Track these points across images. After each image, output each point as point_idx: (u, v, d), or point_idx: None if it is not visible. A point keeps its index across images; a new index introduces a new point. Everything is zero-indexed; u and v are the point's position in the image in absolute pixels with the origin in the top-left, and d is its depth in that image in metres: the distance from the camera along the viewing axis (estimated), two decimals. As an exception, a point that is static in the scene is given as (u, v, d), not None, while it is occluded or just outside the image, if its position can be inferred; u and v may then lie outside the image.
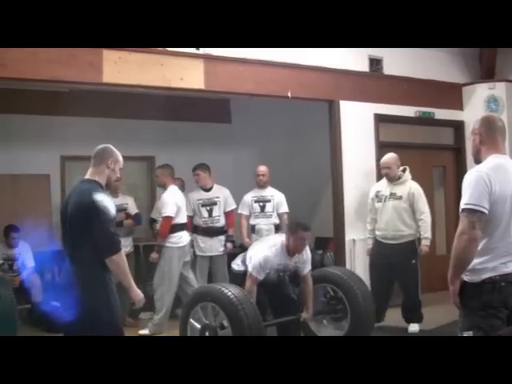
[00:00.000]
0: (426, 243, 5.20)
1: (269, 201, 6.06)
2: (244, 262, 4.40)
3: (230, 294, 3.72)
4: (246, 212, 6.03)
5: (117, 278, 3.05)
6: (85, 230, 2.95)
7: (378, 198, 5.37)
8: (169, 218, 5.44)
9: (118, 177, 3.24)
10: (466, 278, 2.59)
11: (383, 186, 5.41)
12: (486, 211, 2.51)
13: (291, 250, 4.24)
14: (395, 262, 5.20)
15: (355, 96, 6.51)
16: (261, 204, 6.04)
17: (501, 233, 2.57)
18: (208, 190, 5.97)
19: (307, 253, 4.38)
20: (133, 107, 7.03)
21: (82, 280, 2.96)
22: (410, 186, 5.27)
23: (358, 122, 6.51)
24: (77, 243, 3.00)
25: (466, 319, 2.61)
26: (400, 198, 5.23)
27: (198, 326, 3.97)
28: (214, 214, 5.88)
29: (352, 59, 6.47)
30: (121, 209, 5.91)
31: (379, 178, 5.98)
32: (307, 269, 4.40)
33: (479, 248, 2.55)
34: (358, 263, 6.40)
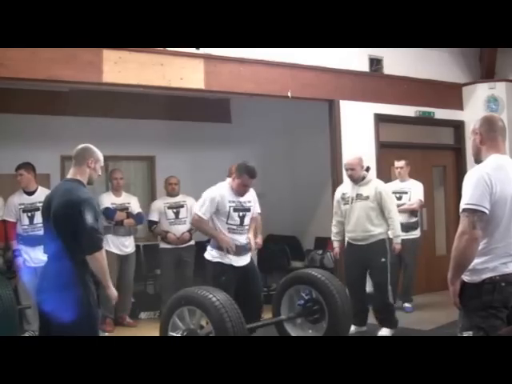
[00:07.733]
0: (397, 241, 5.11)
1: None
2: (213, 245, 4.41)
3: (214, 299, 3.61)
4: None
5: (96, 275, 3.08)
6: (69, 227, 3.00)
7: (344, 201, 5.21)
8: None
9: (99, 175, 3.35)
10: (465, 278, 2.59)
11: (348, 188, 5.23)
12: (487, 211, 2.50)
13: (234, 192, 4.39)
14: (367, 262, 5.12)
15: (355, 96, 6.52)
16: None
17: (501, 233, 2.57)
18: (31, 193, 5.37)
19: (253, 195, 4.59)
20: (133, 107, 7.02)
21: (62, 279, 2.99)
22: (375, 186, 5.13)
23: (358, 121, 6.51)
24: (59, 241, 3.03)
25: (466, 319, 2.60)
26: (367, 198, 5.08)
27: (183, 326, 3.87)
28: (35, 220, 5.22)
29: (352, 59, 6.47)
30: (122, 208, 5.93)
31: (379, 177, 5.97)
32: (257, 210, 4.73)
33: (479, 248, 2.54)
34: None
